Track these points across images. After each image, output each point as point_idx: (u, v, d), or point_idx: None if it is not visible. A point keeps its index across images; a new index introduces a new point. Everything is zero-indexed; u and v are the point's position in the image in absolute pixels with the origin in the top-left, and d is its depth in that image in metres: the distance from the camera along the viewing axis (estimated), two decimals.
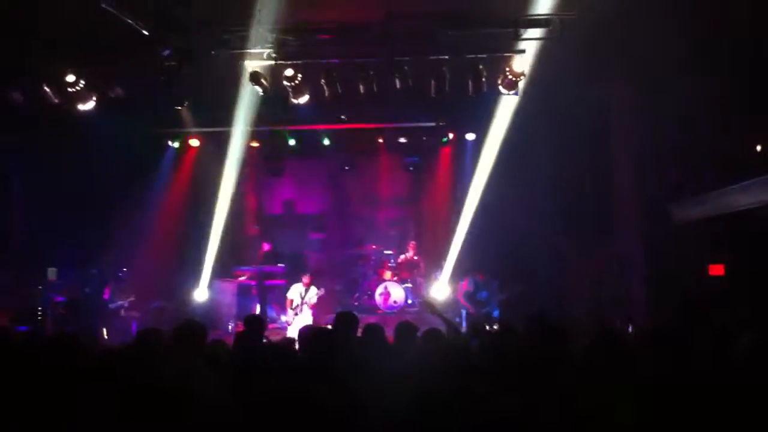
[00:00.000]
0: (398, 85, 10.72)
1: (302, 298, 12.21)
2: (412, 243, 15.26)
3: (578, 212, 12.52)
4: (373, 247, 15.48)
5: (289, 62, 10.73)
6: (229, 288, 14.27)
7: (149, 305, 13.38)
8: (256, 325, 7.01)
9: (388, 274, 14.72)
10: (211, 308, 14.02)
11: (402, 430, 3.11)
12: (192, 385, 4.06)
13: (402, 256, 15.13)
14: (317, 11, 9.82)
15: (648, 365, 4.12)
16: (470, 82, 10.74)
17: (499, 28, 9.99)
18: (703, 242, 10.77)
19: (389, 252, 15.25)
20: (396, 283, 14.43)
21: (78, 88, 10.89)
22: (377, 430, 3.46)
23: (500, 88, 10.85)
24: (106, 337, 12.25)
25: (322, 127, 14.48)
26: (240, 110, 12.63)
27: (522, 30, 9.81)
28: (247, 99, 11.76)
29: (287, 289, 12.80)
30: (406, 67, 10.60)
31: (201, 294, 14.13)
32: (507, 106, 11.84)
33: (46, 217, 13.35)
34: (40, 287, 12.47)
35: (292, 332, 11.15)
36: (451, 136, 15.36)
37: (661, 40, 9.38)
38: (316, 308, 12.31)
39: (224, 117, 13.57)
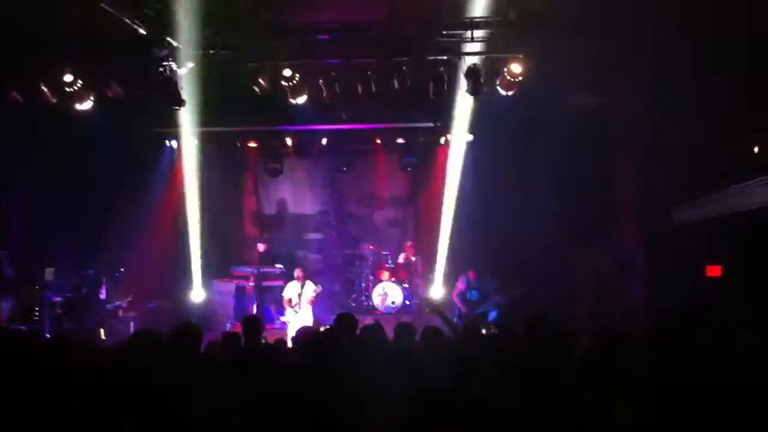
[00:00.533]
0: (396, 86, 10.72)
1: (299, 296, 12.19)
2: (409, 243, 15.23)
3: (578, 213, 12.50)
4: (371, 247, 15.43)
5: (287, 62, 10.74)
6: (226, 288, 14.24)
7: (146, 305, 13.37)
8: (253, 325, 6.98)
9: (385, 275, 14.68)
10: (208, 308, 14.00)
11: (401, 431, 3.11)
12: (187, 386, 4.06)
13: (400, 257, 15.10)
14: (316, 12, 9.83)
15: (647, 366, 4.11)
16: (468, 83, 10.74)
17: (499, 29, 10.02)
18: (703, 243, 10.78)
19: (387, 253, 15.21)
20: (394, 284, 14.40)
21: (76, 87, 10.90)
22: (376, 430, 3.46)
23: (498, 88, 10.86)
24: (103, 337, 12.23)
25: (320, 127, 14.46)
26: (238, 110, 12.65)
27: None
28: (246, 99, 11.72)
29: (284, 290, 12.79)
30: (404, 68, 10.61)
31: (197, 294, 14.12)
32: (506, 107, 11.81)
33: (43, 217, 13.32)
34: (37, 287, 12.44)
35: (292, 332, 11.13)
36: (449, 136, 15.35)
37: (663, 40, 9.39)
38: (315, 306, 12.27)
39: (222, 117, 13.58)
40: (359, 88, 10.85)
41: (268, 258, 14.49)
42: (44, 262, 12.79)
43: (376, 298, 14.24)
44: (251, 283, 14.13)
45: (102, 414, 3.68)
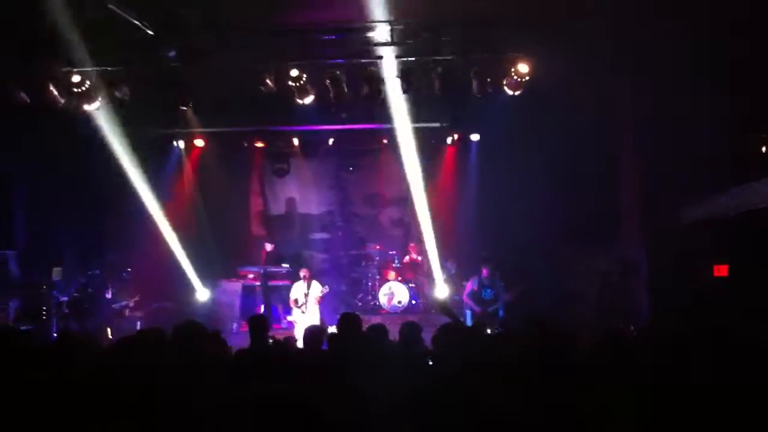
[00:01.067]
0: (403, 86, 10.72)
1: (305, 295, 12.20)
2: (412, 245, 15.24)
3: (582, 214, 12.48)
4: (377, 247, 15.46)
5: (294, 62, 10.76)
6: (233, 288, 14.27)
7: (153, 305, 13.41)
8: (260, 325, 6.98)
9: (392, 275, 14.72)
10: (214, 308, 14.04)
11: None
12: (190, 385, 4.07)
13: (406, 257, 15.12)
14: (322, 12, 9.84)
15: (649, 367, 4.11)
16: (475, 83, 10.75)
17: (505, 28, 10.01)
18: (708, 244, 10.75)
19: (393, 252, 15.24)
20: (400, 284, 14.42)
21: (83, 88, 10.93)
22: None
23: (505, 88, 10.86)
24: (110, 337, 12.27)
25: (326, 127, 14.49)
26: (244, 110, 12.67)
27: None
28: (253, 99, 11.73)
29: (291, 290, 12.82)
30: (410, 68, 10.61)
31: (202, 294, 14.16)
32: (511, 107, 11.80)
33: (50, 217, 13.37)
34: (44, 287, 12.48)
35: (299, 331, 11.14)
36: (455, 136, 15.38)
37: (665, 40, 9.37)
38: (321, 305, 12.28)
39: (229, 117, 13.62)
40: (365, 88, 10.84)
41: (275, 258, 14.51)
42: (50, 262, 12.84)
43: (383, 298, 14.27)
44: (258, 283, 14.15)
45: (106, 412, 3.70)
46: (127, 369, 4.39)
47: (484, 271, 12.04)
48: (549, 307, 11.62)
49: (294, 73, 10.73)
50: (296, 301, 12.22)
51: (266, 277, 14.03)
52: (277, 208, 16.83)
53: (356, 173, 16.25)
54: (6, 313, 12.03)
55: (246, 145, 15.82)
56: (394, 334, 6.40)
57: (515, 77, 10.63)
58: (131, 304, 13.19)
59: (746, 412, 3.44)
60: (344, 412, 3.47)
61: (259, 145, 15.91)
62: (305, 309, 12.11)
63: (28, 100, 11.09)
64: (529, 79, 10.58)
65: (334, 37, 10.36)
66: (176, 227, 14.40)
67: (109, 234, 13.65)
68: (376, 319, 11.63)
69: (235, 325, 13.63)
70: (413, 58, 10.59)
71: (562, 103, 11.56)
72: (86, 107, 11.17)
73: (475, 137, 15.11)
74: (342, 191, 16.51)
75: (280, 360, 5.14)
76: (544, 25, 9.67)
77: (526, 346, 5.09)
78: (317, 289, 12.23)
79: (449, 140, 15.54)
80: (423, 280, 14.84)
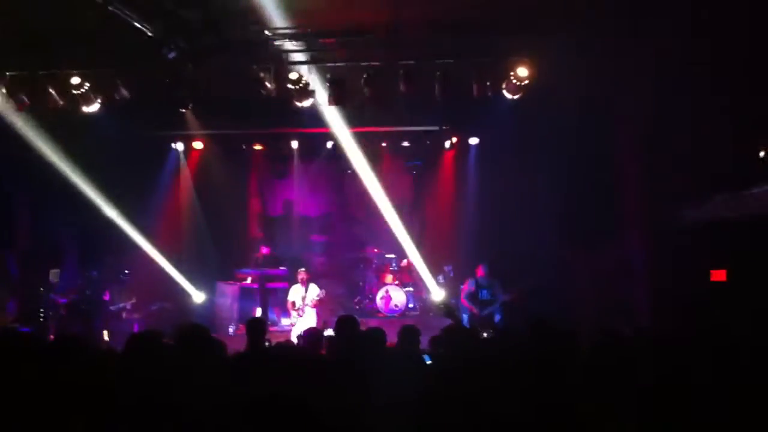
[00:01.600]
0: (402, 89, 10.71)
1: (303, 298, 12.18)
2: None
3: (582, 217, 12.48)
4: (375, 250, 15.46)
5: (293, 65, 10.76)
6: (230, 290, 14.26)
7: (150, 307, 13.41)
8: (257, 327, 6.96)
9: (389, 278, 14.72)
10: (212, 310, 14.04)
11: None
12: (190, 386, 4.07)
13: (404, 260, 15.12)
14: (322, 15, 9.84)
15: (649, 369, 4.12)
16: (474, 86, 10.75)
17: (505, 33, 10.02)
18: (707, 247, 10.74)
19: (391, 256, 15.23)
20: (398, 287, 14.42)
21: (83, 90, 10.92)
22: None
23: (504, 92, 10.87)
24: (107, 339, 12.26)
25: (325, 130, 14.47)
26: (244, 112, 12.67)
27: None
28: (252, 101, 11.73)
29: (288, 292, 12.83)
30: (410, 71, 10.61)
31: (197, 297, 14.18)
32: (510, 110, 11.81)
33: (48, 219, 13.36)
34: (42, 289, 12.48)
35: (296, 334, 11.13)
36: (454, 140, 15.38)
37: (666, 42, 9.37)
38: (319, 308, 12.26)
39: (228, 119, 13.62)
40: (366, 91, 10.83)
41: (273, 260, 14.50)
42: (49, 262, 12.83)
43: (380, 301, 14.26)
44: (255, 286, 14.14)
45: (103, 413, 3.70)
46: (126, 371, 4.39)
47: (480, 271, 12.04)
48: (548, 310, 11.61)
49: (293, 76, 10.74)
50: (293, 304, 12.19)
51: (264, 279, 14.01)
52: (276, 211, 16.81)
53: (355, 176, 16.23)
54: (5, 314, 12.04)
55: (245, 147, 15.81)
56: (391, 337, 6.40)
57: (515, 81, 10.64)
58: (129, 306, 13.18)
59: (746, 414, 3.45)
60: (342, 414, 3.48)
61: (258, 147, 15.89)
62: (302, 312, 12.09)
63: (28, 102, 11.09)
64: (528, 83, 10.59)
65: (335, 40, 10.37)
66: (173, 231, 14.43)
67: (108, 235, 13.62)
68: (373, 323, 11.56)
69: (232, 328, 13.62)
70: (412, 61, 10.61)
71: (561, 105, 11.57)
72: (85, 109, 11.15)
73: (473, 141, 15.11)
74: (340, 194, 16.51)
75: (278, 363, 5.14)
76: (543, 27, 9.66)
77: (524, 349, 5.09)
78: (315, 292, 12.21)
79: (447, 144, 15.54)
80: (421, 283, 14.84)
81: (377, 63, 10.68)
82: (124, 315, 13.11)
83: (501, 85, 10.81)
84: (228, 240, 15.47)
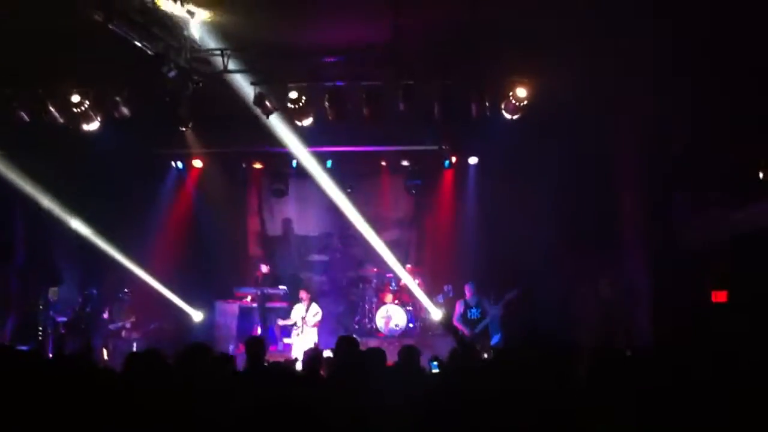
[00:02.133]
0: (402, 108, 10.74)
1: (303, 318, 12.13)
2: (408, 267, 15.17)
3: (583, 234, 12.48)
4: (375, 269, 15.42)
5: (293, 84, 10.79)
6: (230, 309, 14.21)
7: (150, 326, 13.37)
8: (256, 347, 6.94)
9: (389, 297, 14.65)
10: (211, 329, 13.99)
11: None
12: (192, 405, 4.04)
13: (402, 281, 15.08)
14: (322, 33, 9.88)
15: (649, 386, 4.10)
16: (473, 106, 10.78)
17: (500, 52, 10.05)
18: (708, 267, 10.73)
19: (390, 275, 15.18)
20: (398, 306, 14.36)
21: (83, 108, 10.94)
22: None
23: (503, 112, 10.90)
24: (106, 357, 12.21)
25: (325, 149, 14.49)
26: (243, 131, 12.70)
27: None
28: (251, 120, 11.75)
29: (288, 311, 12.77)
30: (409, 90, 10.64)
31: (195, 316, 14.14)
32: (510, 130, 11.82)
33: (48, 237, 13.35)
34: (41, 306, 12.44)
35: (296, 353, 11.10)
36: (453, 159, 15.40)
37: (666, 51, 9.39)
38: (319, 327, 12.20)
39: (228, 138, 13.64)
40: (365, 110, 10.86)
41: (272, 279, 14.47)
42: (48, 279, 12.80)
43: (380, 321, 14.19)
44: (255, 305, 14.10)
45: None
46: (126, 390, 4.37)
47: (467, 292, 12.04)
48: (549, 331, 11.59)
49: (293, 95, 10.76)
50: (295, 323, 12.17)
51: (263, 298, 13.98)
52: (275, 229, 16.79)
53: (355, 195, 16.22)
54: (3, 331, 12.00)
55: (244, 165, 15.82)
56: (391, 357, 6.37)
57: (514, 101, 10.67)
58: (128, 325, 13.14)
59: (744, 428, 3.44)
60: (345, 418, 3.47)
61: (258, 165, 15.90)
62: (300, 332, 12.05)
63: (27, 119, 11.10)
64: (527, 104, 10.62)
65: (334, 59, 10.40)
66: (173, 249, 14.41)
67: (107, 254, 13.60)
68: (373, 343, 11.56)
69: (231, 347, 13.56)
70: (412, 81, 10.64)
71: (561, 125, 11.60)
72: (85, 127, 11.17)
73: (473, 160, 15.13)
74: (340, 213, 16.49)
75: (278, 382, 5.12)
76: (542, 47, 9.68)
77: (525, 372, 5.07)
78: (313, 312, 12.19)
79: (447, 163, 15.56)
80: (420, 303, 14.78)
81: (377, 82, 10.71)
82: (123, 333, 13.07)
83: (500, 105, 10.85)
84: (227, 258, 15.45)
